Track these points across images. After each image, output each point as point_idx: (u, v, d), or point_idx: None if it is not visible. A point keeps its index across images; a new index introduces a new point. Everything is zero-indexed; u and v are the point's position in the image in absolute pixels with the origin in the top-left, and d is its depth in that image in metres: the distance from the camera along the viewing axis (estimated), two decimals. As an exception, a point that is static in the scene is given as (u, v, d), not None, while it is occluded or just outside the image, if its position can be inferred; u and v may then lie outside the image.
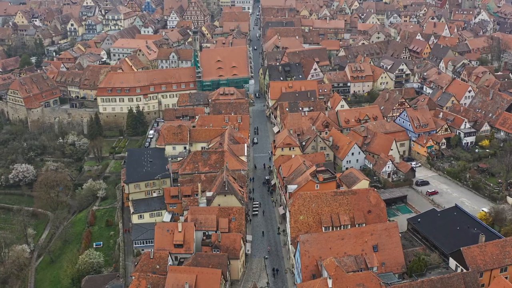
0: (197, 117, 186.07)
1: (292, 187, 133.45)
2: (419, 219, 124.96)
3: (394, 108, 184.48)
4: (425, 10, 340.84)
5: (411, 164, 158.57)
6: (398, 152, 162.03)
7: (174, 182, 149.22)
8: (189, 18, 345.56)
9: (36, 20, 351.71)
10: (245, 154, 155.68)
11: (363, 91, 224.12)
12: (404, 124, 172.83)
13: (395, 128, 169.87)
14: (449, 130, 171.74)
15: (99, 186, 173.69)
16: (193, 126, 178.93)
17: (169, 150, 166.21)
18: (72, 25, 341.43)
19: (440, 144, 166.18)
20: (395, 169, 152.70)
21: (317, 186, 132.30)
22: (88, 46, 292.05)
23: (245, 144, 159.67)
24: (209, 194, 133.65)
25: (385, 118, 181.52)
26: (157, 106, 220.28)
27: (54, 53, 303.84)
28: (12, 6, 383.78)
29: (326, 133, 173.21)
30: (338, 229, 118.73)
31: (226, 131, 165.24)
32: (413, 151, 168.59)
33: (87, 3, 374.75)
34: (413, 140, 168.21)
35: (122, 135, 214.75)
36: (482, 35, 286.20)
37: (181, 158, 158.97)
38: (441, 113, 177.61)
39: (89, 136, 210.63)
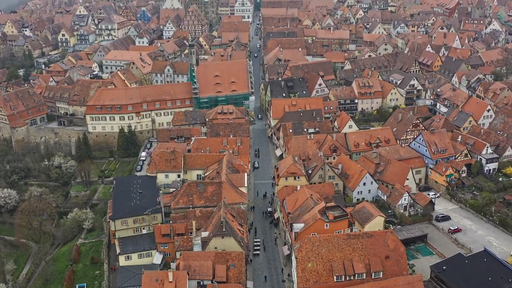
0: (193, 138, 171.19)
1: (298, 226, 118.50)
2: (444, 267, 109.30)
3: (408, 130, 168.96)
4: (433, 20, 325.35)
5: (429, 195, 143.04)
6: (415, 181, 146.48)
7: (166, 216, 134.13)
8: (186, 28, 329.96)
9: (26, 30, 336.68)
10: (245, 185, 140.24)
11: (372, 108, 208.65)
12: (420, 149, 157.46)
13: (410, 154, 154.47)
14: (469, 155, 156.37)
15: (86, 216, 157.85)
16: (189, 150, 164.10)
17: (161, 178, 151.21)
18: (63, 35, 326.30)
19: (461, 172, 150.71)
20: (412, 201, 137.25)
21: (326, 225, 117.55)
22: (79, 58, 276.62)
23: (245, 174, 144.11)
24: (204, 234, 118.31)
25: (398, 142, 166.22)
26: (151, 125, 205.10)
27: (43, 65, 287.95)
28: (2, 15, 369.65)
29: (334, 158, 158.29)
30: (352, 278, 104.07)
31: (224, 158, 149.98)
32: (430, 179, 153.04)
33: (80, 11, 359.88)
34: (430, 168, 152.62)
35: (112, 156, 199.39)
36: (494, 47, 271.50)
37: (174, 189, 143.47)
38: (460, 136, 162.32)
39: (77, 158, 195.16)
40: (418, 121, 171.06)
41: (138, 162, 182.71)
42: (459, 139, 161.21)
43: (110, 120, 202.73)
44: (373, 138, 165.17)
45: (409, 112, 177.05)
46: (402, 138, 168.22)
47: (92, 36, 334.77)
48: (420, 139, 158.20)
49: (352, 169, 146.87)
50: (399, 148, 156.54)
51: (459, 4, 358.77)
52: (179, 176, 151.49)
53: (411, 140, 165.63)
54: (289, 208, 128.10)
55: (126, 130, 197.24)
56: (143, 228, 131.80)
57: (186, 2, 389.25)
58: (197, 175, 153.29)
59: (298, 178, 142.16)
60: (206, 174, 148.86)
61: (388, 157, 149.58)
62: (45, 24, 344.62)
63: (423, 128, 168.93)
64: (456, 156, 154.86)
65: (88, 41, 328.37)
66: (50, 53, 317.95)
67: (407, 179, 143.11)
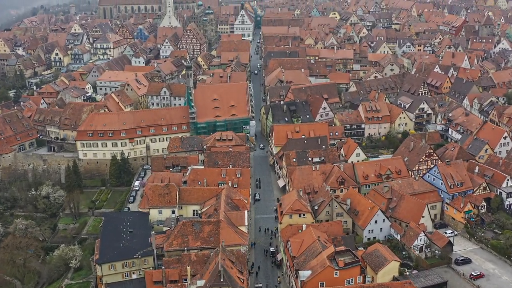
0: (189, 168, 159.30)
1: (305, 274, 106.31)
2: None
3: (421, 160, 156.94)
4: (440, 38, 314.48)
5: (446, 234, 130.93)
6: (431, 219, 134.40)
7: (159, 259, 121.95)
8: (184, 47, 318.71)
9: (18, 49, 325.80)
10: (246, 223, 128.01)
11: (379, 134, 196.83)
12: (435, 182, 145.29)
13: (425, 188, 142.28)
14: (488, 189, 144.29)
15: (73, 254, 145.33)
16: (184, 182, 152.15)
17: (154, 214, 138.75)
18: (57, 54, 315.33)
19: (480, 208, 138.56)
20: (428, 242, 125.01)
21: (336, 273, 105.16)
22: (72, 79, 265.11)
23: (246, 211, 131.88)
24: (200, 282, 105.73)
25: (410, 173, 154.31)
26: (145, 152, 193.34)
27: (35, 86, 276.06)
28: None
29: (341, 191, 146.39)
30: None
31: (222, 192, 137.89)
32: (447, 215, 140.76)
33: (75, 30, 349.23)
34: (446, 203, 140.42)
35: (104, 185, 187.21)
36: (505, 67, 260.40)
37: (168, 228, 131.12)
38: (477, 167, 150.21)
39: (66, 187, 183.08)
40: (432, 151, 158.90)
41: (131, 193, 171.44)
42: (476, 170, 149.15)
43: (102, 146, 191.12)
44: (384, 169, 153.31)
45: (421, 141, 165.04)
46: (414, 169, 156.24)
47: (87, 55, 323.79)
48: (434, 171, 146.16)
49: (362, 205, 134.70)
50: (412, 181, 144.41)
51: (465, 22, 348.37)
52: (173, 212, 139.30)
53: (424, 171, 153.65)
54: (294, 251, 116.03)
55: (119, 157, 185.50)
56: (133, 273, 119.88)
57: (184, 20, 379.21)
58: (193, 210, 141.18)
59: (304, 215, 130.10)
60: (203, 210, 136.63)
61: (401, 192, 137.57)
62: (38, 42, 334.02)
63: (437, 158, 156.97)
64: (474, 190, 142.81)
65: (82, 61, 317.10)
66: (42, 73, 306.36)
67: (423, 217, 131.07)
